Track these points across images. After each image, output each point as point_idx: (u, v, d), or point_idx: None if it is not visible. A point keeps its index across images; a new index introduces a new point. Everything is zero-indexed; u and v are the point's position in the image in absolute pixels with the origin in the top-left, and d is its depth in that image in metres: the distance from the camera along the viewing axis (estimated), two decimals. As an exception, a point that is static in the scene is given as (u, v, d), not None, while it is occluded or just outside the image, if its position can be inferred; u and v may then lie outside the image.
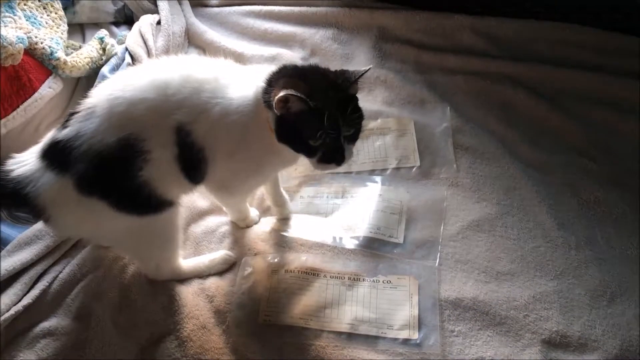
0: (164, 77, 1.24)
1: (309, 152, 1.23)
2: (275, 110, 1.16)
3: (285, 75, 1.22)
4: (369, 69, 1.24)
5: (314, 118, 1.16)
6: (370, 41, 2.01)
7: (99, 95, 1.22)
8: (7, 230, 1.53)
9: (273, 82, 1.22)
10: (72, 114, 1.22)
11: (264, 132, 1.24)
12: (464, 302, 1.41)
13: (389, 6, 2.08)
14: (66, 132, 1.20)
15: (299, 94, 1.13)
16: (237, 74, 1.30)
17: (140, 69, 1.32)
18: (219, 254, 1.53)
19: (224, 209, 1.60)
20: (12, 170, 1.23)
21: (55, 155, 1.21)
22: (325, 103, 1.16)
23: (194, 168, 1.28)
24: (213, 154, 1.27)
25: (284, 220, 1.62)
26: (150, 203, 1.26)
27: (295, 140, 1.22)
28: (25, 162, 1.24)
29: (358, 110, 1.24)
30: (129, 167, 1.20)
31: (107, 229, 1.33)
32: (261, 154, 1.30)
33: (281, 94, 1.12)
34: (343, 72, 1.24)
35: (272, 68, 1.27)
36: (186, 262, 1.49)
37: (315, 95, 1.16)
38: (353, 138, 1.24)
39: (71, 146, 1.18)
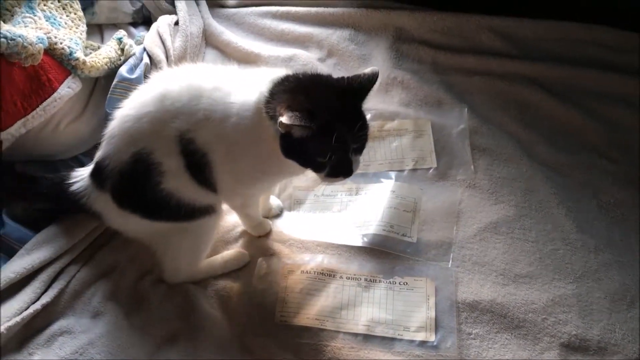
0: (164, 88, 1.26)
1: (316, 168, 1.21)
2: (280, 129, 1.13)
3: (287, 90, 1.18)
4: (376, 78, 1.19)
5: (322, 139, 1.13)
6: (387, 42, 2.00)
7: (118, 115, 1.31)
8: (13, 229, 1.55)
9: (275, 94, 1.18)
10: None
11: (266, 139, 1.20)
12: (482, 305, 1.40)
13: (406, 7, 2.07)
14: (99, 153, 1.35)
15: (302, 124, 1.09)
16: (241, 79, 1.28)
17: (149, 83, 1.34)
18: (232, 251, 1.54)
19: (237, 215, 1.58)
20: (73, 184, 1.42)
21: (95, 173, 1.37)
22: (332, 121, 1.13)
23: (202, 175, 1.28)
24: (217, 160, 1.26)
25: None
26: (180, 211, 1.33)
27: (302, 157, 1.19)
28: (82, 176, 1.42)
29: (365, 122, 1.20)
30: (149, 180, 1.28)
31: (151, 230, 1.42)
32: (263, 160, 1.27)
33: (284, 119, 1.08)
34: (351, 81, 1.19)
35: (276, 75, 1.23)
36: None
37: (320, 113, 1.12)
38: (360, 149, 1.22)
39: (103, 166, 1.32)
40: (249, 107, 1.21)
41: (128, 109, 1.29)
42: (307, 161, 1.20)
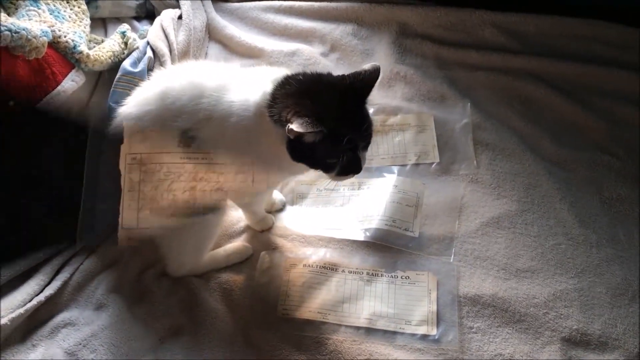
0: (166, 87, 1.26)
1: (326, 169, 1.21)
2: (289, 135, 1.12)
3: (291, 94, 1.17)
4: (378, 73, 1.19)
5: (332, 141, 1.14)
6: (390, 37, 2.00)
7: (122, 113, 1.32)
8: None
9: (278, 98, 1.17)
10: None
11: (266, 140, 1.21)
12: (483, 299, 1.41)
13: (409, 1, 2.07)
14: None
15: (314, 130, 1.09)
16: (242, 77, 1.28)
17: (151, 81, 1.35)
18: (235, 244, 1.54)
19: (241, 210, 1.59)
20: None
21: None
22: (341, 124, 1.14)
23: None
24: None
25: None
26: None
27: (312, 160, 1.20)
28: None
29: (370, 120, 1.20)
30: None
31: None
32: (264, 160, 1.28)
33: (295, 127, 1.08)
34: (353, 79, 1.19)
35: (276, 75, 1.23)
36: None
37: (328, 117, 1.12)
38: (367, 146, 1.23)
39: None
40: (249, 107, 1.21)
41: (130, 107, 1.30)
42: (317, 163, 1.21)
